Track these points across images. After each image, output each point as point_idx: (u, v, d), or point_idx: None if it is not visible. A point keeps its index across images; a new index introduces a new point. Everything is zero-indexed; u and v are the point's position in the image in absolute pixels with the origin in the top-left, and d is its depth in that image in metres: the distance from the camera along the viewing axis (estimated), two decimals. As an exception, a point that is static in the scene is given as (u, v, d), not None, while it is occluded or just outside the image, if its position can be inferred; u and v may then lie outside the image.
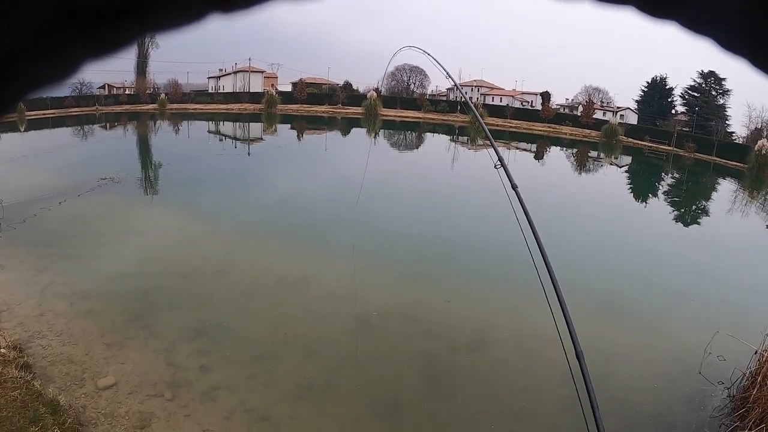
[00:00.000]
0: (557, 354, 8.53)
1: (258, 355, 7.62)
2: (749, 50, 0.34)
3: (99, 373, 6.73)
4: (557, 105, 73.84)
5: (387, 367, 7.75)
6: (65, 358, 7.04)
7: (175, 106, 56.18)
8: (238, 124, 49.54)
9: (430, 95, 75.35)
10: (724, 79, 64.86)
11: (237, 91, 65.15)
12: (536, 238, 3.25)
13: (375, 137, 47.88)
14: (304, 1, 0.38)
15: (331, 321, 8.96)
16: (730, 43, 0.34)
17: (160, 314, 8.55)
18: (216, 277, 10.37)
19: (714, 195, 35.67)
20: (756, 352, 7.76)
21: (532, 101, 73.38)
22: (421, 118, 64.29)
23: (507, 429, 6.65)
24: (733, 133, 62.90)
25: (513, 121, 64.91)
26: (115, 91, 61.46)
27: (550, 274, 2.87)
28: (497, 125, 62.14)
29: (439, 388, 7.36)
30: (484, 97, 73.49)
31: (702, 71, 65.30)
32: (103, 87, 61.61)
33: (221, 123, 49.50)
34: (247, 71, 66.68)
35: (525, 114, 67.98)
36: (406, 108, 67.29)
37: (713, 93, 65.35)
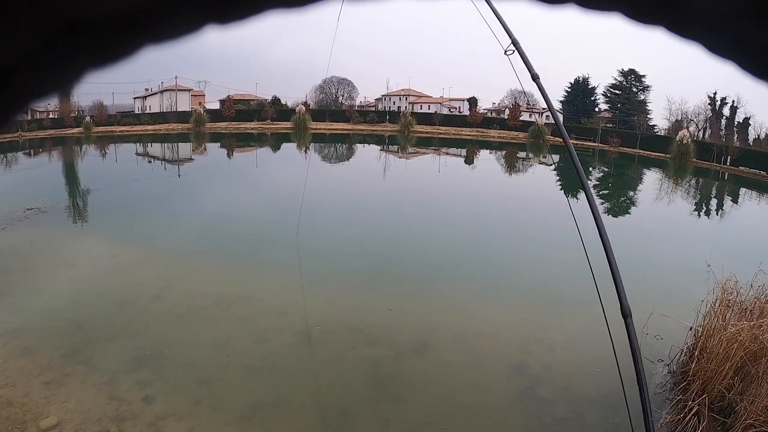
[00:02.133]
0: (502, 348, 8.91)
1: (202, 379, 7.54)
2: (737, 55, 0.36)
3: (41, 414, 6.49)
4: (484, 110, 75.85)
5: (334, 379, 7.81)
6: (4, 401, 6.77)
7: (101, 128, 54.32)
8: (166, 144, 48.35)
9: (358, 106, 75.96)
10: (643, 76, 68.76)
11: (164, 111, 63.67)
12: (583, 186, 3.02)
13: (306, 151, 47.89)
14: (295, 10, 0.40)
15: (273, 338, 8.94)
16: (718, 47, 0.36)
17: (98, 346, 8.30)
18: (152, 304, 10.13)
19: (640, 185, 37.55)
20: (691, 329, 8.33)
21: (459, 107, 75.19)
22: (350, 129, 64.88)
23: (458, 427, 6.85)
24: (655, 126, 66.63)
25: (442, 127, 66.60)
26: (38, 116, 58.79)
27: (597, 224, 2.79)
28: (426, 132, 63.43)
29: (388, 393, 7.52)
30: (413, 106, 74.73)
31: (622, 69, 69.06)
32: (26, 112, 58.66)
33: (149, 144, 48.16)
34: (174, 90, 65.31)
35: (453, 120, 69.90)
36: (336, 120, 67.75)
37: (634, 90, 69.12)
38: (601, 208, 26.64)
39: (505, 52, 3.61)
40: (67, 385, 7.16)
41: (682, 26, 0.35)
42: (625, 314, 2.59)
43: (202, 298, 10.47)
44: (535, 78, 3.21)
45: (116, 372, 7.54)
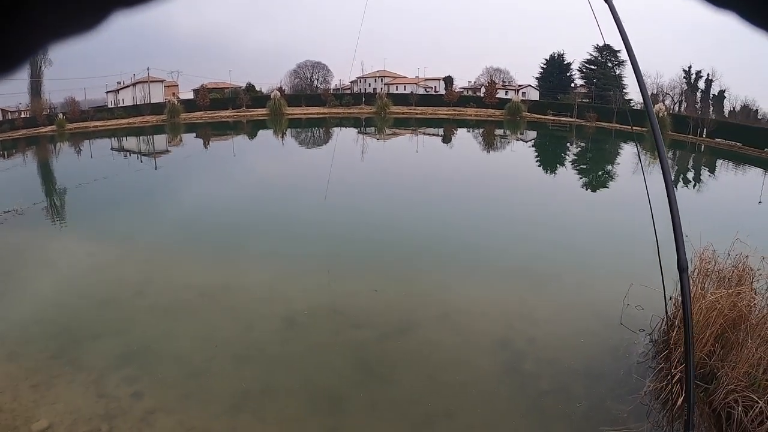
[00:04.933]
0: (486, 325, 9.00)
1: (190, 372, 7.52)
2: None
3: (31, 417, 6.42)
4: (460, 88, 75.83)
5: (321, 363, 7.85)
6: (-7, 407, 6.74)
7: (74, 125, 53.12)
8: (141, 138, 47.66)
9: (334, 90, 75.45)
10: (618, 51, 68.85)
11: (138, 103, 62.62)
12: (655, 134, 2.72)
13: (282, 137, 47.63)
14: None
15: (257, 326, 8.96)
16: (753, 16, 0.36)
17: (84, 346, 8.22)
18: (136, 299, 10.04)
19: (618, 159, 37.91)
20: (671, 298, 8.46)
21: (435, 87, 75.03)
22: (326, 113, 64.57)
23: (446, 404, 6.94)
24: (631, 100, 67.00)
25: (418, 107, 66.54)
26: (9, 116, 57.41)
27: (664, 175, 2.66)
28: (403, 113, 63.35)
29: (375, 375, 7.58)
30: (388, 87, 74.38)
31: (597, 45, 69.19)
32: None
33: (124, 139, 47.39)
34: (147, 82, 64.17)
35: (429, 100, 69.85)
36: (312, 105, 67.23)
37: (609, 65, 69.46)
38: (578, 183, 27.00)
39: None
40: (56, 387, 7.11)
41: None
42: (681, 268, 2.58)
43: (185, 290, 10.41)
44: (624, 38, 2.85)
45: (103, 370, 7.49)
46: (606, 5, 2.88)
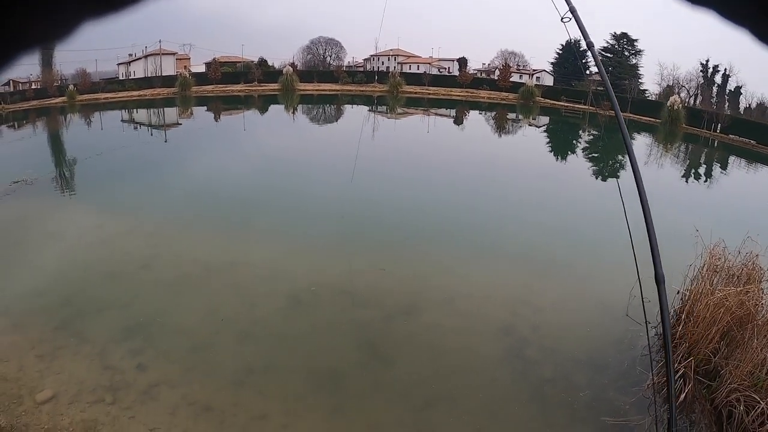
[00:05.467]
0: (490, 310, 9.00)
1: (193, 346, 7.57)
2: (751, 21, 0.35)
3: (36, 387, 6.48)
4: (474, 70, 75.08)
5: (324, 342, 7.89)
6: (-2, 377, 6.81)
7: (85, 96, 52.89)
8: (152, 110, 47.62)
9: (347, 67, 74.88)
10: (636, 40, 68.29)
11: (149, 76, 62.42)
12: (631, 158, 2.94)
13: (293, 113, 47.45)
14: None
15: (262, 302, 8.98)
16: (733, 14, 0.35)
17: (89, 318, 8.27)
18: (141, 273, 10.08)
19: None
20: (678, 292, 8.43)
21: (449, 68, 74.30)
22: (338, 90, 64.00)
23: (447, 387, 6.96)
24: (646, 90, 66.39)
25: (431, 88, 65.88)
26: (21, 87, 57.31)
27: (640, 194, 2.77)
28: (416, 93, 62.92)
29: (378, 355, 7.61)
30: (402, 66, 73.75)
31: (615, 33, 68.41)
32: (7, 84, 57.26)
33: (135, 111, 47.30)
34: (158, 54, 63.85)
35: (443, 80, 69.11)
36: (324, 81, 66.61)
37: (626, 54, 68.75)
38: (588, 171, 26.83)
39: (562, 19, 3.52)
40: (60, 358, 7.17)
41: None
42: (659, 281, 2.65)
43: (192, 265, 10.44)
44: (590, 46, 3.15)
45: (108, 342, 7.55)
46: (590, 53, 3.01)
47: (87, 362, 7.09)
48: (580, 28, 3.26)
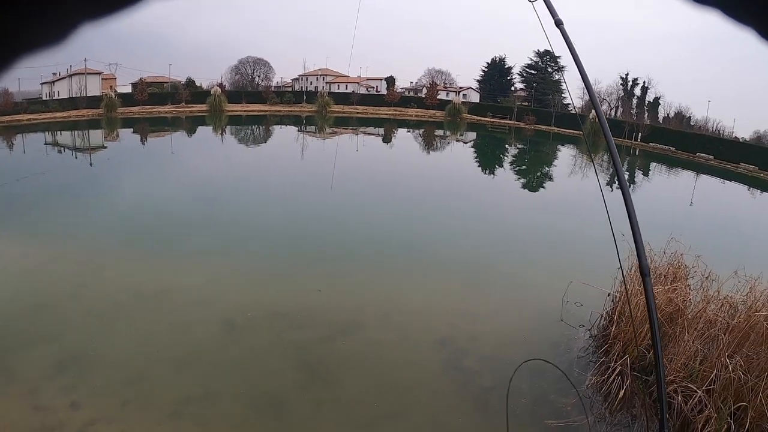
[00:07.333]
0: (428, 323, 9.05)
1: (128, 378, 7.20)
2: (756, 20, 0.35)
3: (-38, 435, 6.07)
4: (402, 89, 76.52)
5: (263, 366, 7.72)
6: None
7: (7, 118, 50.10)
8: (77, 132, 45.72)
9: (275, 87, 74.79)
10: (559, 56, 71.28)
11: (73, 96, 60.05)
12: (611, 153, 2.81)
13: (222, 134, 46.87)
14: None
15: (197, 329, 8.68)
16: (737, 13, 0.35)
17: (17, 354, 7.70)
18: (70, 303, 9.52)
19: (556, 161, 39.02)
20: (609, 295, 8.80)
21: (377, 86, 75.41)
22: (267, 110, 64.02)
23: (390, 403, 6.94)
24: (569, 104, 69.32)
25: (359, 107, 66.93)
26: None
27: (621, 187, 2.75)
28: (344, 112, 63.50)
29: (318, 376, 7.50)
30: (330, 86, 74.27)
31: (538, 50, 71.27)
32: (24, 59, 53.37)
33: (59, 133, 45.30)
34: (84, 74, 61.65)
35: (371, 99, 70.48)
36: (252, 102, 66.49)
37: (549, 70, 71.69)
38: (517, 183, 27.61)
39: None
40: (-13, 399, 6.70)
41: None
42: (644, 272, 2.65)
43: (121, 293, 9.93)
44: (558, 24, 3.11)
45: (39, 380, 7.05)
46: (558, 30, 3.02)
47: (17, 403, 6.59)
48: (547, 5, 3.20)
